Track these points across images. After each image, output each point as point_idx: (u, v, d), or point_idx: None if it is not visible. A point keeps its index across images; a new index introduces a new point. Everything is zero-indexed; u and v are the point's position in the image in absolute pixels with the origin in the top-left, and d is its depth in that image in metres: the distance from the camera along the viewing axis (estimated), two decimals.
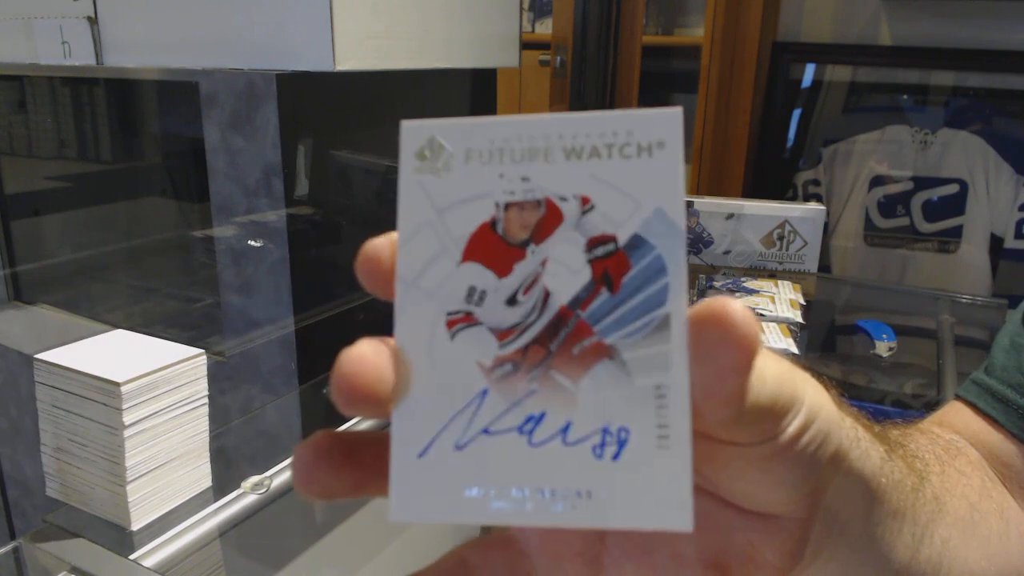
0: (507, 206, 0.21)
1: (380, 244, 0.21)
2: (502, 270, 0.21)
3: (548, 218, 0.21)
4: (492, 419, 0.20)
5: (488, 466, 0.20)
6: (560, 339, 0.20)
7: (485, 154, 0.21)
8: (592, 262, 0.20)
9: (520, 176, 0.21)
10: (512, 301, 0.21)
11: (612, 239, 0.20)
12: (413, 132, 0.22)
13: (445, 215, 0.21)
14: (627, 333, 0.20)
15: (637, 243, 0.20)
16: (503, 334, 0.21)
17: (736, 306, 0.19)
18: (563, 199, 0.21)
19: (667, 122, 0.21)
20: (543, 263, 0.21)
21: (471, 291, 0.21)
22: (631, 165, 0.20)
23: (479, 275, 0.21)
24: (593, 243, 0.21)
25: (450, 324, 0.21)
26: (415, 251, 0.21)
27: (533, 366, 0.20)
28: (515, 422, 0.20)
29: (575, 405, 0.20)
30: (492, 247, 0.21)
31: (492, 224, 0.21)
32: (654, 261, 0.20)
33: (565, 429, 0.20)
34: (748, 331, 0.19)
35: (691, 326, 0.19)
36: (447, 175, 0.21)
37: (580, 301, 0.20)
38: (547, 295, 0.21)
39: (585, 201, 0.21)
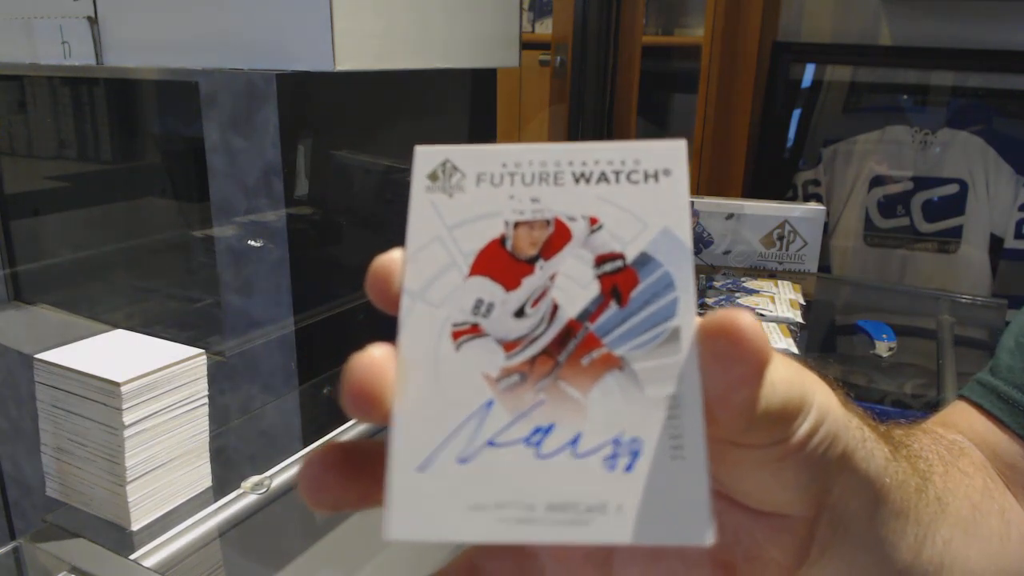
0: (516, 224, 0.21)
1: (389, 260, 0.21)
2: (510, 283, 0.21)
3: (557, 236, 0.21)
4: (498, 431, 0.20)
5: (494, 480, 0.19)
6: (569, 350, 0.20)
7: (496, 177, 0.22)
8: (601, 277, 0.21)
9: (530, 197, 0.22)
10: (520, 313, 0.21)
11: (620, 256, 0.21)
12: (427, 155, 0.22)
13: (455, 231, 0.21)
14: (637, 345, 0.20)
15: (645, 260, 0.21)
16: (510, 345, 0.21)
17: (746, 318, 0.19)
18: (572, 219, 0.21)
19: (673, 152, 0.22)
20: (552, 278, 0.21)
21: (478, 303, 0.21)
22: (638, 189, 0.21)
23: (487, 288, 0.21)
24: (601, 260, 0.21)
25: (455, 335, 0.21)
26: (423, 264, 0.21)
27: (541, 377, 0.20)
28: (522, 434, 0.20)
29: (585, 416, 0.20)
30: (501, 262, 0.21)
31: (501, 241, 0.21)
32: (662, 277, 0.20)
33: (575, 441, 0.20)
34: (759, 343, 0.19)
35: (701, 338, 0.20)
36: (459, 195, 0.22)
37: (589, 314, 0.21)
38: (555, 308, 0.21)
39: (593, 221, 0.21)
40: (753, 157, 1.78)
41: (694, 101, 1.77)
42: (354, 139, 1.13)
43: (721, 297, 1.14)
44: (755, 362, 0.19)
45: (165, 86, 1.31)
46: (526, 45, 1.30)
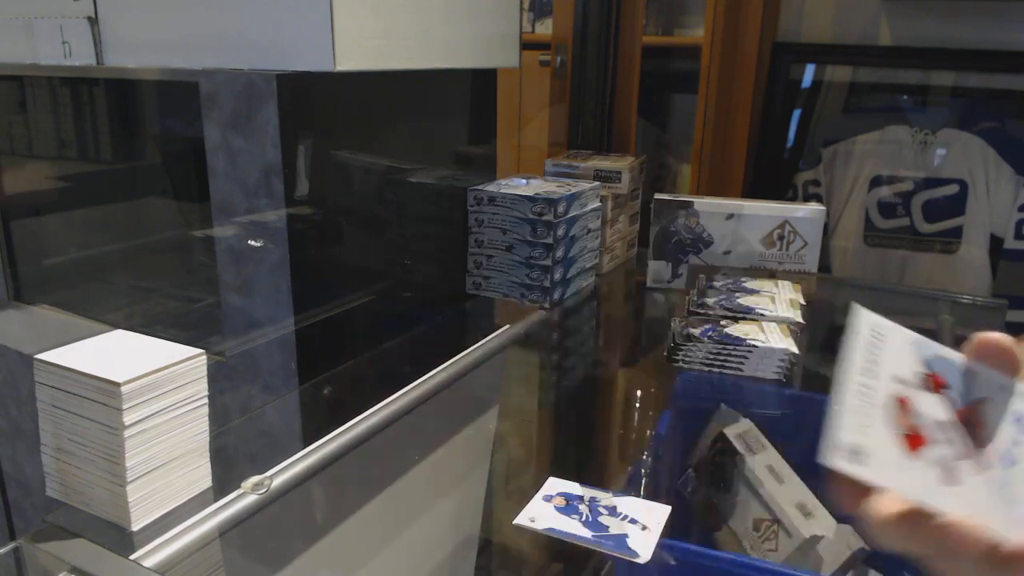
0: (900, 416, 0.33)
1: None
2: (925, 440, 0.32)
3: (909, 401, 0.33)
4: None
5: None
6: (966, 426, 0.33)
7: (876, 405, 0.32)
8: (927, 387, 0.34)
9: (871, 401, 0.33)
10: (944, 442, 0.33)
11: (925, 374, 0.34)
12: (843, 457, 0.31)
13: (902, 460, 0.32)
14: (968, 392, 0.34)
15: (925, 366, 0.34)
16: (960, 460, 0.32)
17: (987, 334, 0.34)
18: (899, 391, 0.33)
19: (864, 318, 0.34)
20: (922, 411, 0.33)
21: (942, 472, 0.32)
22: (881, 354, 0.34)
23: (932, 459, 0.32)
24: (924, 381, 0.34)
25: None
26: (912, 486, 0.31)
27: (973, 453, 0.33)
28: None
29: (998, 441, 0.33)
30: (912, 442, 0.32)
31: (906, 433, 0.32)
32: (937, 359, 0.34)
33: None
34: (1000, 339, 0.34)
35: (974, 357, 0.34)
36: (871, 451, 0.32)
37: (944, 406, 0.33)
38: (951, 422, 0.33)
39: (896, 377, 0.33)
40: (753, 157, 1.78)
41: (694, 101, 1.77)
42: (354, 139, 1.13)
43: (721, 296, 1.14)
44: (1005, 349, 0.34)
45: (165, 86, 1.31)
46: (526, 45, 1.30)
